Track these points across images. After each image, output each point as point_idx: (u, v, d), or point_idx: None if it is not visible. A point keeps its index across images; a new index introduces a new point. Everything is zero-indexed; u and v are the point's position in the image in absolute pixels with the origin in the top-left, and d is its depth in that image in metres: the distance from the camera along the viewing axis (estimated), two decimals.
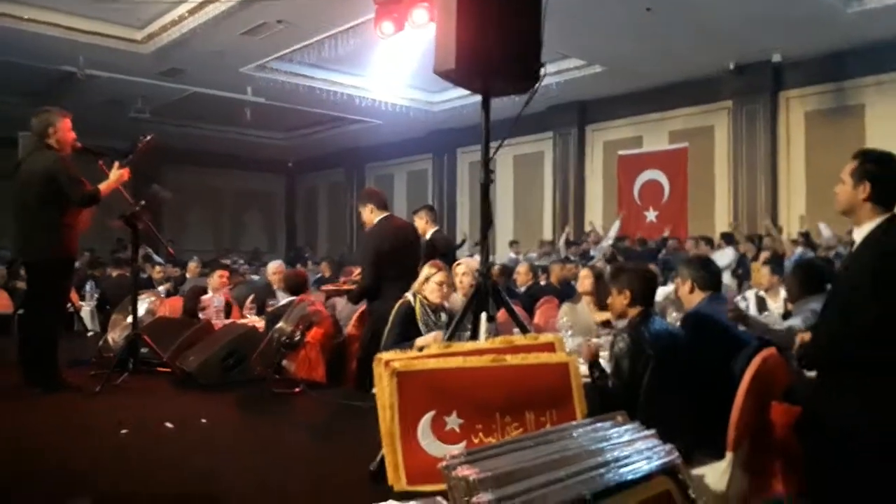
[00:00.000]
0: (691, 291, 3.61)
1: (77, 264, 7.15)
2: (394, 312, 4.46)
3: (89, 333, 8.40)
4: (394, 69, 9.44)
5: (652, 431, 1.87)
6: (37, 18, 9.22)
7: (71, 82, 11.18)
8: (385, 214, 5.32)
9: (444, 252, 6.14)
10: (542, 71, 3.13)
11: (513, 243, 13.25)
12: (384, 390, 2.29)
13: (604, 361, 3.20)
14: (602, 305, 4.80)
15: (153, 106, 13.01)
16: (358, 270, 6.67)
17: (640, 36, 9.49)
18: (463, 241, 11.81)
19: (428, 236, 6.37)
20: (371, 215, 5.28)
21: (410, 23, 6.93)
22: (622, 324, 3.38)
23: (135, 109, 12.86)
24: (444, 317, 4.61)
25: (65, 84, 11.44)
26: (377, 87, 12.63)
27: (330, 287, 6.49)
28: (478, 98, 3.29)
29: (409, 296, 4.55)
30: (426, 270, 4.61)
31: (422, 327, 4.46)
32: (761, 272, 6.92)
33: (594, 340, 3.88)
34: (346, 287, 6.21)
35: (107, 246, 12.81)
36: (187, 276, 9.54)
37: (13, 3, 8.90)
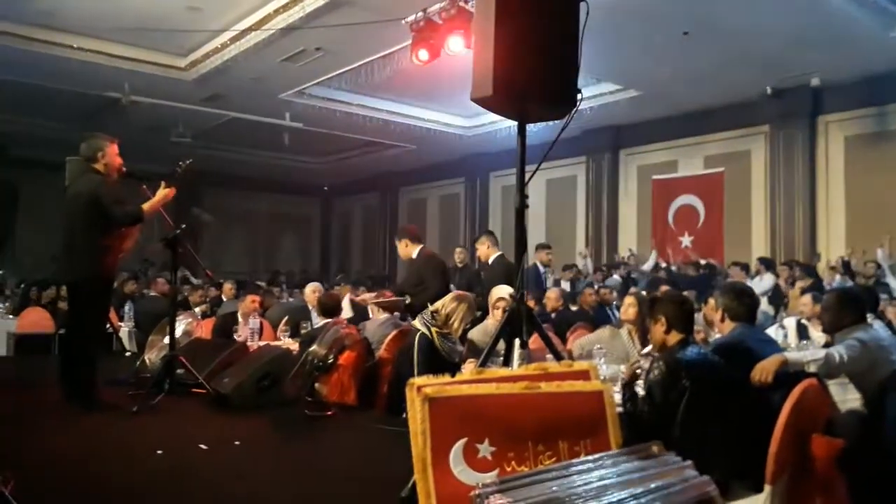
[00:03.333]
0: (722, 320, 3.56)
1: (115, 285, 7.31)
2: (416, 346, 4.63)
3: (127, 354, 8.54)
4: (429, 95, 9.71)
5: (688, 462, 1.84)
6: (85, 47, 9.52)
7: (115, 108, 11.51)
8: (421, 246, 6.28)
9: (508, 277, 6.20)
10: (579, 97, 3.14)
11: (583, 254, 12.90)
12: (416, 416, 2.28)
13: (639, 389, 3.16)
14: (644, 334, 4.78)
15: (194, 131, 13.32)
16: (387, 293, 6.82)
17: (676, 60, 9.46)
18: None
19: (490, 261, 6.52)
20: (408, 248, 6.23)
21: (446, 50, 7.03)
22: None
23: (176, 134, 13.18)
24: (453, 336, 4.80)
25: (109, 110, 11.78)
26: (412, 112, 12.81)
27: (381, 299, 6.55)
28: (510, 122, 3.31)
29: (422, 328, 4.72)
30: (450, 304, 4.79)
31: (444, 355, 4.64)
32: (801, 300, 6.77)
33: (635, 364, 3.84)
34: (396, 299, 6.34)
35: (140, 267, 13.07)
36: (223, 297, 9.66)
37: (62, 32, 9.21)
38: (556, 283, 10.23)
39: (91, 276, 4.95)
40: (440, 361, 4.44)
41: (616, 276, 11.02)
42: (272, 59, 9.66)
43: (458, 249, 9.03)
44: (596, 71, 10.17)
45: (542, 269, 8.88)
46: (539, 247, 9.14)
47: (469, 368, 4.15)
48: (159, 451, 3.98)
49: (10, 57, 9.43)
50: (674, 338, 3.19)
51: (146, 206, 5.08)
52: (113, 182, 5.10)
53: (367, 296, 7.73)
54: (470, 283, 7.94)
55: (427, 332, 4.77)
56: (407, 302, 6.23)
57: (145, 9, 8.51)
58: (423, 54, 7.32)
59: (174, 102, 11.67)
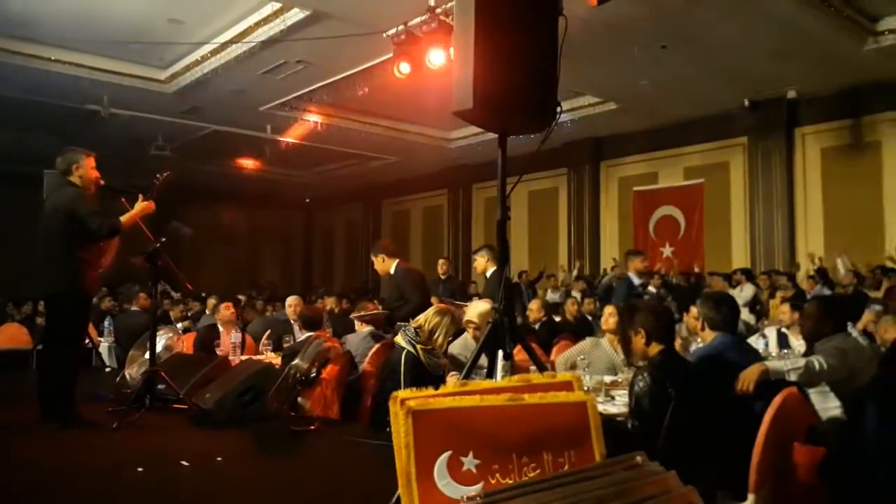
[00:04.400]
0: (702, 329, 3.59)
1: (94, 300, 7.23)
2: (403, 364, 4.65)
3: (107, 369, 8.43)
4: (411, 107, 9.71)
5: (672, 473, 1.85)
6: (63, 59, 9.44)
7: (94, 120, 11.42)
8: (398, 260, 6.25)
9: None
10: (559, 110, 3.16)
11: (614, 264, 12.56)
12: (400, 430, 2.27)
13: (623, 400, 3.17)
14: (627, 343, 4.81)
15: (174, 143, 13.23)
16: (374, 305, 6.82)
17: (654, 73, 9.57)
18: (540, 275, 11.84)
19: (488, 274, 6.51)
20: (385, 264, 6.21)
21: (427, 63, 7.06)
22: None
23: (156, 147, 13.08)
24: (437, 350, 4.80)
25: (88, 122, 11.68)
26: (395, 124, 12.84)
27: (364, 313, 6.53)
28: (492, 135, 3.33)
29: (406, 346, 4.72)
30: (434, 318, 4.80)
31: (430, 370, 4.65)
32: (780, 309, 6.84)
33: (608, 378, 3.87)
34: (382, 312, 6.33)
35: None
36: (206, 311, 9.59)
37: (40, 45, 9.13)
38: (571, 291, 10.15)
39: (69, 291, 4.89)
40: (427, 378, 4.44)
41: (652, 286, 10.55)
42: (253, 71, 9.65)
43: (440, 261, 9.04)
44: (575, 84, 10.27)
45: (636, 280, 7.65)
46: (632, 254, 8.10)
47: (452, 382, 4.15)
48: (140, 469, 3.93)
49: None
50: (654, 348, 3.21)
51: (124, 218, 5.03)
52: (90, 195, 5.05)
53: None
54: (454, 293, 7.96)
55: (412, 350, 4.76)
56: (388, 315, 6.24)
57: (125, 21, 8.46)
58: (405, 67, 7.35)
59: (154, 115, 11.60)
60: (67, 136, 10.52)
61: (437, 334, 4.87)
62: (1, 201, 15.12)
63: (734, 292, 9.23)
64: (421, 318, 5.00)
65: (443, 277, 8.74)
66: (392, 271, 6.26)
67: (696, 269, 11.29)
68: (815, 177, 10.86)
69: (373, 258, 6.36)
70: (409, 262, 6.63)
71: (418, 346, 4.77)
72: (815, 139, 10.92)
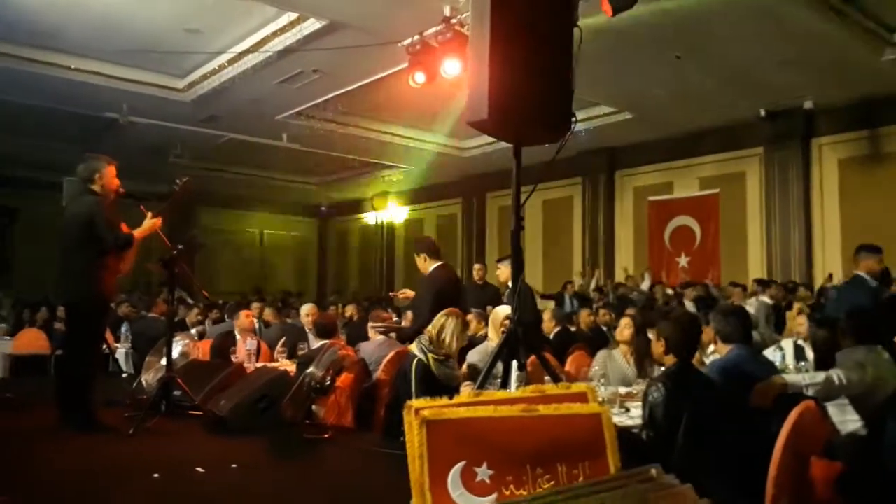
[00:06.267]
0: (715, 343, 3.57)
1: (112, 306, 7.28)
2: (413, 372, 4.57)
3: (124, 375, 8.50)
4: (426, 116, 9.66)
5: (688, 486, 1.84)
6: (83, 68, 9.58)
7: (113, 128, 11.56)
8: (439, 263, 5.67)
9: (531, 301, 6.08)
10: (574, 120, 3.17)
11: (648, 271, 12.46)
12: (414, 439, 2.27)
13: (637, 411, 3.16)
14: (639, 356, 4.78)
15: (191, 151, 13.37)
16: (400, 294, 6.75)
17: (669, 83, 9.55)
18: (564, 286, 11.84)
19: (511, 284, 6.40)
20: (426, 263, 5.64)
21: (442, 73, 7.08)
22: (657, 372, 3.35)
23: (174, 154, 13.24)
24: (451, 361, 4.74)
25: (107, 130, 11.82)
26: (409, 133, 12.89)
27: (380, 324, 6.51)
28: (507, 144, 3.33)
29: (418, 353, 4.66)
30: (441, 319, 4.73)
31: (442, 379, 4.61)
32: (797, 321, 6.77)
33: (623, 389, 3.85)
34: (393, 325, 6.28)
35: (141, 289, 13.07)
36: (226, 318, 9.61)
37: (61, 53, 9.27)
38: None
39: (88, 297, 4.95)
40: (438, 387, 4.41)
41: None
42: (270, 80, 9.73)
43: (476, 266, 8.87)
44: (590, 94, 10.26)
45: (872, 281, 6.21)
46: (866, 249, 6.37)
47: (465, 391, 4.13)
48: (156, 474, 3.96)
49: (9, 78, 9.48)
50: (670, 360, 3.19)
51: (136, 232, 5.09)
52: (110, 203, 5.11)
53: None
54: (492, 301, 7.66)
55: (423, 358, 4.69)
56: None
57: (144, 31, 8.57)
58: (420, 77, 7.38)
59: (172, 123, 11.71)
60: (86, 144, 10.71)
61: (444, 335, 4.76)
62: (22, 208, 15.34)
63: (748, 303, 9.17)
64: (430, 325, 4.95)
65: (479, 284, 8.61)
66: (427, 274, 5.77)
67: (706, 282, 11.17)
68: (832, 188, 10.77)
69: (415, 256, 5.81)
70: (450, 268, 6.01)
71: (430, 356, 4.69)
72: (832, 150, 10.84)
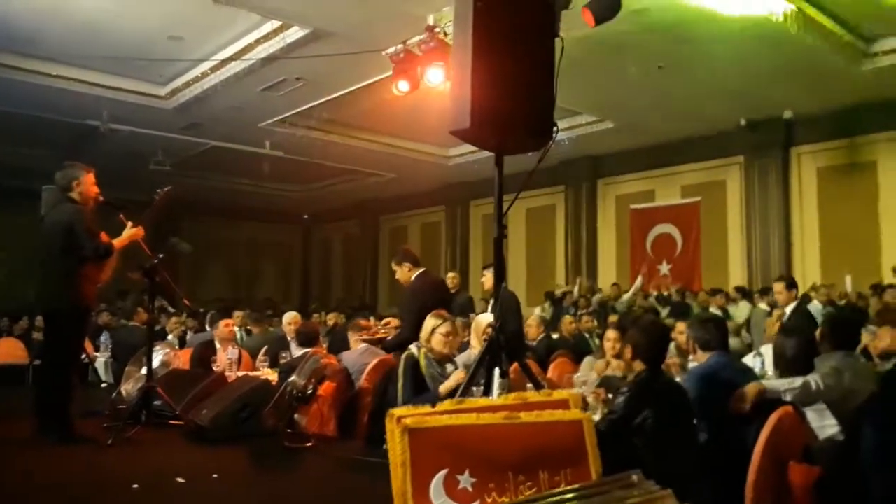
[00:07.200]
0: (694, 351, 3.60)
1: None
2: (402, 367, 4.54)
3: (103, 384, 8.40)
4: (409, 124, 9.66)
5: (668, 491, 1.85)
6: (64, 75, 9.51)
7: (94, 136, 11.46)
8: (422, 270, 5.72)
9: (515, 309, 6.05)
10: (555, 129, 3.19)
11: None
12: (396, 447, 2.27)
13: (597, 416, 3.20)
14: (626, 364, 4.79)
15: (173, 159, 13.26)
16: (381, 325, 6.74)
17: (651, 93, 9.64)
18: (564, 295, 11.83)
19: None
20: (409, 273, 5.68)
21: (425, 81, 7.10)
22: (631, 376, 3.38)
23: (155, 162, 13.11)
24: (450, 368, 4.67)
25: (88, 137, 11.73)
26: (392, 141, 12.91)
27: (365, 335, 6.48)
28: (490, 153, 3.35)
29: (413, 349, 4.63)
30: (430, 322, 4.68)
31: (428, 381, 4.55)
32: (776, 327, 6.84)
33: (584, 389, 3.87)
34: (380, 335, 6.26)
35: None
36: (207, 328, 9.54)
37: (42, 60, 9.19)
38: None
39: (67, 306, 4.89)
40: (422, 386, 4.41)
41: None
42: (253, 88, 9.71)
43: (450, 275, 8.86)
44: (573, 103, 10.34)
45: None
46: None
47: (452, 383, 4.14)
48: (135, 485, 3.91)
49: None
50: (639, 366, 3.23)
51: (116, 242, 5.04)
52: (89, 211, 5.06)
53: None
54: (464, 309, 7.71)
55: (415, 353, 4.64)
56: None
57: (126, 38, 8.52)
58: (403, 85, 7.41)
59: (154, 130, 11.63)
60: (67, 151, 10.59)
61: (430, 336, 4.68)
62: None
63: (731, 310, 9.26)
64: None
65: (452, 292, 8.62)
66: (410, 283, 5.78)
67: (680, 288, 11.27)
68: (811, 196, 10.92)
69: (394, 267, 5.80)
70: (433, 274, 6.02)
71: (422, 351, 4.65)
72: (811, 158, 10.99)
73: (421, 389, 4.40)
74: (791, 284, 6.48)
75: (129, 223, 5.19)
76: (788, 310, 6.37)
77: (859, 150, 10.43)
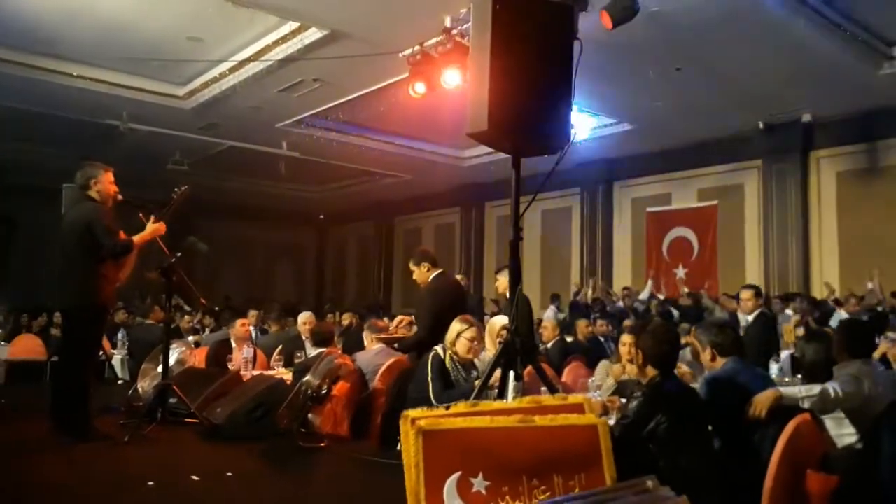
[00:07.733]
0: (713, 359, 3.56)
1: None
2: (430, 364, 4.51)
3: (119, 382, 8.48)
4: (425, 126, 9.66)
5: (683, 497, 1.84)
6: (84, 75, 9.61)
7: (113, 135, 11.56)
8: (440, 271, 5.63)
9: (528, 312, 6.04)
10: (573, 132, 3.18)
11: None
12: (410, 449, 2.27)
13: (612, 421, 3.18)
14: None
15: (191, 159, 13.38)
16: (394, 323, 6.73)
17: (669, 95, 9.58)
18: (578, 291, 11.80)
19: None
20: (427, 274, 5.56)
21: (442, 83, 7.11)
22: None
23: (173, 162, 13.24)
24: (474, 374, 4.65)
25: (107, 137, 11.82)
26: (408, 142, 12.93)
27: (383, 335, 6.49)
28: (505, 154, 3.34)
29: (438, 349, 4.61)
30: (456, 326, 4.65)
31: (452, 380, 4.53)
32: (794, 333, 6.79)
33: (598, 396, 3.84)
34: (397, 335, 6.26)
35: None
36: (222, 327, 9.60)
37: (63, 61, 9.30)
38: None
39: (86, 304, 4.94)
40: (450, 383, 4.43)
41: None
42: (270, 89, 9.76)
43: (458, 276, 8.89)
44: (590, 106, 10.30)
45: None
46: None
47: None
48: (150, 482, 3.94)
49: (10, 84, 9.51)
50: (651, 371, 3.21)
51: (136, 238, 5.08)
52: (108, 210, 5.11)
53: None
54: (473, 311, 7.69)
55: (441, 353, 4.62)
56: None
57: (146, 38, 8.60)
58: (420, 87, 7.42)
59: (172, 130, 11.73)
60: (87, 151, 10.68)
61: (454, 340, 4.65)
62: (21, 215, 15.31)
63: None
64: None
65: None
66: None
67: (692, 291, 11.15)
68: (830, 201, 10.80)
69: (412, 267, 5.66)
70: (451, 275, 5.93)
71: (448, 353, 4.63)
72: (830, 163, 10.87)
73: (448, 386, 4.41)
74: (758, 293, 6.76)
75: (153, 217, 5.22)
76: (751, 318, 6.58)
77: (879, 154, 10.30)
